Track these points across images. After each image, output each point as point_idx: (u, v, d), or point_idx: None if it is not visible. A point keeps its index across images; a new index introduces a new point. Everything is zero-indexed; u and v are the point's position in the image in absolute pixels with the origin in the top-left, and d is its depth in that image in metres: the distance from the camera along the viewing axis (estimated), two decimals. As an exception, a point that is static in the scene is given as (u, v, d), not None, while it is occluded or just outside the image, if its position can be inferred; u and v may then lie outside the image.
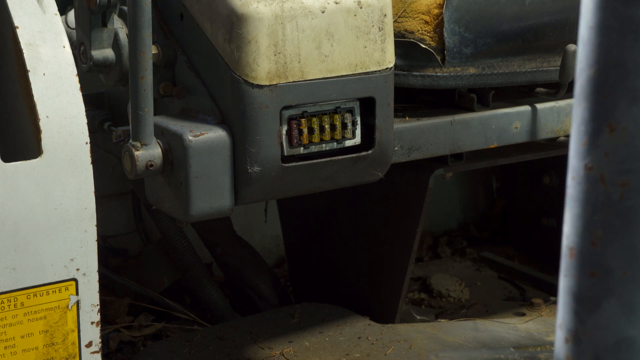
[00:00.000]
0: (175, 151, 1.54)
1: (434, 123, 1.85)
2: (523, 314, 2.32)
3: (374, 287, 2.17)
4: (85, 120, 1.52)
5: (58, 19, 1.54)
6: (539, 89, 2.00)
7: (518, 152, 2.09)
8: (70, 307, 1.57)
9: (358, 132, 1.63)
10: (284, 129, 1.56)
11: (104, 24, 1.64)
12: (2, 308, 1.51)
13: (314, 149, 1.60)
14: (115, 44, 1.65)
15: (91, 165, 1.51)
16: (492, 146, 1.93)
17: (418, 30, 1.79)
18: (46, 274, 1.53)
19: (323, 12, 1.56)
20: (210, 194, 1.54)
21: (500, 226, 2.94)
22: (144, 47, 1.45)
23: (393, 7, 1.69)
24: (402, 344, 2.00)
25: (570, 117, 1.99)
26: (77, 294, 1.57)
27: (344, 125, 1.61)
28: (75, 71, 1.52)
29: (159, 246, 2.36)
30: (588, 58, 0.76)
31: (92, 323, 1.59)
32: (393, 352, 1.97)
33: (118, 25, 1.66)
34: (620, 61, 0.74)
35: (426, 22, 1.78)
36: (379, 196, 2.11)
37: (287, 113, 1.56)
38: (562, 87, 1.91)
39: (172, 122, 1.58)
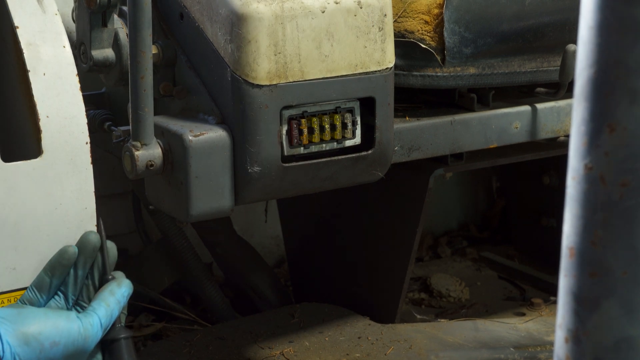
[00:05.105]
0: (175, 151, 1.54)
1: (434, 123, 1.85)
2: (523, 314, 2.32)
3: (374, 287, 2.16)
4: (85, 120, 1.52)
5: (58, 19, 1.54)
6: (539, 89, 2.00)
7: (518, 152, 2.09)
8: (70, 307, 1.57)
9: (358, 132, 1.63)
10: (284, 129, 1.56)
11: (104, 24, 1.64)
12: (2, 308, 1.51)
13: (314, 149, 1.60)
14: (115, 44, 1.65)
15: (91, 165, 1.51)
16: (492, 146, 1.93)
17: (418, 30, 1.79)
18: (46, 274, 1.53)
19: (323, 12, 1.56)
20: (210, 194, 1.54)
21: (500, 226, 2.94)
22: (144, 47, 1.45)
23: (393, 7, 1.69)
24: (402, 344, 2.00)
25: (570, 117, 1.99)
26: (77, 294, 1.57)
27: (344, 125, 1.61)
28: (75, 71, 1.52)
29: (159, 246, 2.36)
30: (588, 58, 0.76)
31: (92, 323, 1.59)
32: (393, 352, 1.97)
33: (118, 25, 1.66)
34: (620, 61, 0.74)
35: (426, 22, 1.78)
36: (379, 196, 2.11)
37: (287, 113, 1.56)
38: (562, 87, 1.91)
39: (172, 122, 1.58)
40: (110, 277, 1.47)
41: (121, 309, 1.46)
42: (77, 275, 1.46)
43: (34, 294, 1.44)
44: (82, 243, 1.47)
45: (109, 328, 1.44)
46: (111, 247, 1.50)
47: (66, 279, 1.46)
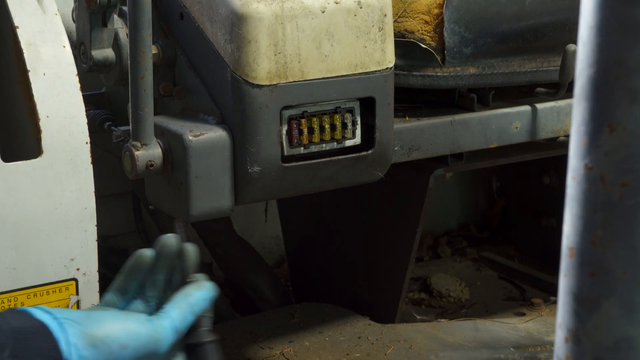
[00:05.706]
0: (175, 151, 1.54)
1: (434, 123, 1.85)
2: (523, 314, 2.32)
3: (374, 287, 2.16)
4: (85, 120, 1.52)
5: (58, 19, 1.54)
6: (539, 89, 2.00)
7: (518, 152, 2.09)
8: (70, 307, 1.57)
9: (358, 132, 1.63)
10: (284, 129, 1.56)
11: (104, 24, 1.64)
12: (3, 308, 1.51)
13: (314, 149, 1.60)
14: (116, 44, 1.65)
15: (91, 165, 1.51)
16: (492, 146, 1.93)
17: (418, 30, 1.79)
18: (46, 274, 1.53)
19: (323, 12, 1.56)
20: (210, 194, 1.54)
21: (500, 226, 2.94)
22: (144, 47, 1.45)
23: (393, 7, 1.69)
24: (402, 344, 2.00)
25: (570, 117, 1.99)
26: (77, 293, 1.58)
27: (344, 125, 1.61)
28: (75, 71, 1.52)
29: (159, 246, 2.35)
30: (588, 58, 0.76)
31: (92, 323, 1.59)
32: (393, 352, 1.97)
33: (118, 25, 1.66)
34: (620, 61, 0.74)
35: (426, 22, 1.78)
36: (379, 196, 2.11)
37: (287, 113, 1.56)
38: (562, 87, 1.91)
39: (172, 122, 1.58)
40: (190, 280, 1.40)
41: (198, 312, 1.37)
42: (156, 279, 1.40)
43: (115, 297, 1.39)
44: (160, 247, 1.40)
45: (185, 331, 1.36)
46: (192, 250, 1.43)
47: (144, 283, 1.40)
